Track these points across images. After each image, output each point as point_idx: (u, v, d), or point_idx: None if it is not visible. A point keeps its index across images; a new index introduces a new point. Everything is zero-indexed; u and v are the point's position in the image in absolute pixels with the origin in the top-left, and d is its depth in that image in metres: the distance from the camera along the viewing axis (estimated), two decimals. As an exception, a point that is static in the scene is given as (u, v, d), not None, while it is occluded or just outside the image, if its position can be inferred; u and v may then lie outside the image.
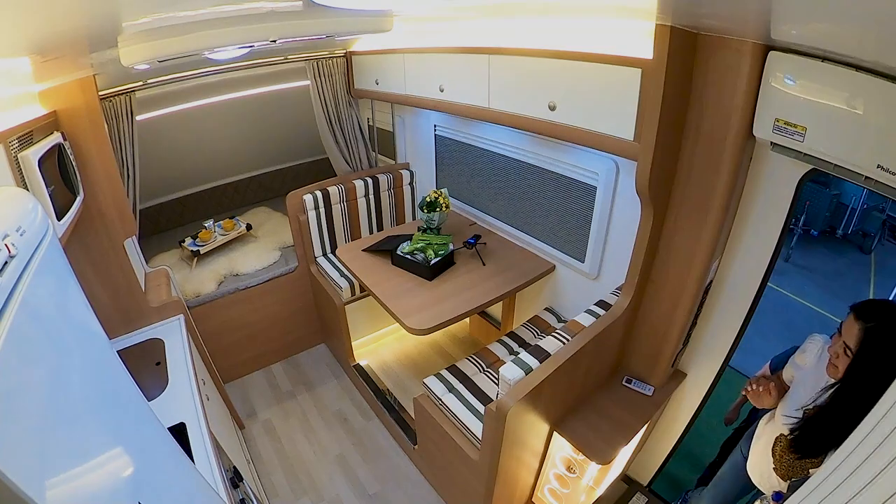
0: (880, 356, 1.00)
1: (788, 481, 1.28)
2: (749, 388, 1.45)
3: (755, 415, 1.82)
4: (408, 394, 2.64)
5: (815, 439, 1.16)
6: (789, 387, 1.41)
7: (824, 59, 1.01)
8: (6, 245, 0.63)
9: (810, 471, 1.17)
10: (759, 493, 1.46)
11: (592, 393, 1.82)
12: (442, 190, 2.46)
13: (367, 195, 2.94)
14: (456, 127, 2.63)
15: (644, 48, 1.27)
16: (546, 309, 2.43)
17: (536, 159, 2.20)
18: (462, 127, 2.58)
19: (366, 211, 2.98)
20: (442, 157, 2.85)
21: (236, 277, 2.85)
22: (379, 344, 3.20)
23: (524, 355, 1.60)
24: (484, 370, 2.11)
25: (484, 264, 2.31)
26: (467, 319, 3.08)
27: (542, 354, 1.59)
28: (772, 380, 1.46)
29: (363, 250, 2.46)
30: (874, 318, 1.03)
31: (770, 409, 1.45)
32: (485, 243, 2.47)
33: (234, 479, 1.53)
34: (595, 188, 1.94)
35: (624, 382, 1.84)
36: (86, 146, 1.71)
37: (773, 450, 1.35)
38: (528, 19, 1.68)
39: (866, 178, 1.01)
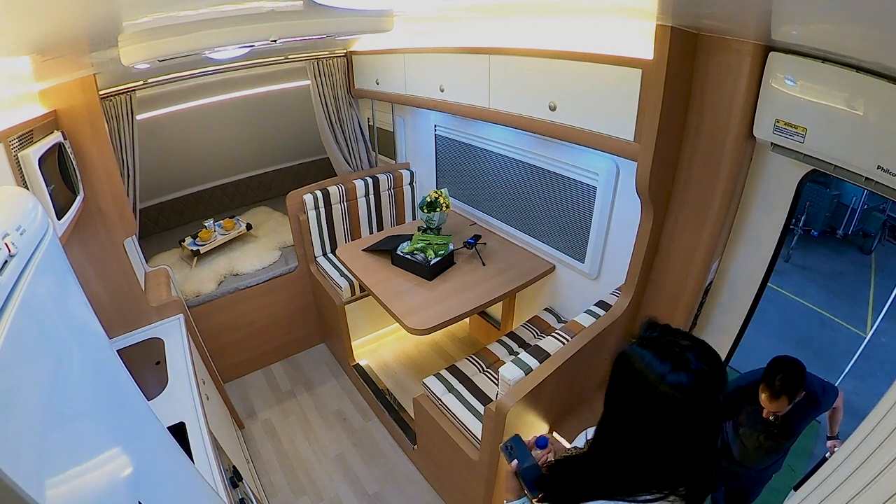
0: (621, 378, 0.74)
1: None
2: None
3: None
4: (408, 394, 2.64)
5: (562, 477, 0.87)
6: None
7: (824, 59, 1.01)
8: (6, 244, 0.63)
9: None
10: None
11: (592, 393, 1.82)
12: (442, 190, 2.46)
13: (367, 195, 2.94)
14: (456, 127, 2.63)
15: (644, 48, 1.27)
16: (546, 309, 2.43)
17: (536, 159, 2.19)
18: (462, 127, 2.58)
19: (366, 211, 2.98)
20: (442, 157, 2.85)
21: (236, 277, 2.85)
22: (379, 344, 3.20)
23: (524, 355, 1.60)
24: (484, 370, 2.11)
25: (484, 264, 2.31)
26: (467, 319, 3.08)
27: (541, 355, 1.59)
28: None
29: (363, 250, 2.46)
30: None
31: None
32: (485, 243, 2.47)
33: (234, 478, 1.53)
34: (595, 188, 1.94)
35: (624, 383, 1.84)
36: (86, 145, 1.71)
37: None
38: (528, 19, 1.68)
39: (866, 178, 1.01)
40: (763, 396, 1.51)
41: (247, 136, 3.61)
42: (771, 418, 1.55)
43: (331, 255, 2.95)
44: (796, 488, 1.37)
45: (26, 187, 1.28)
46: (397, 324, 1.99)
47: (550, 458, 0.99)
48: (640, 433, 0.68)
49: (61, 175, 1.48)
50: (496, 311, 2.91)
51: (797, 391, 1.47)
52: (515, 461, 0.94)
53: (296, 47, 2.56)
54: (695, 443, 0.66)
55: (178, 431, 1.47)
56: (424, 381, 2.03)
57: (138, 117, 2.32)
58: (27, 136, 1.36)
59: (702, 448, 0.67)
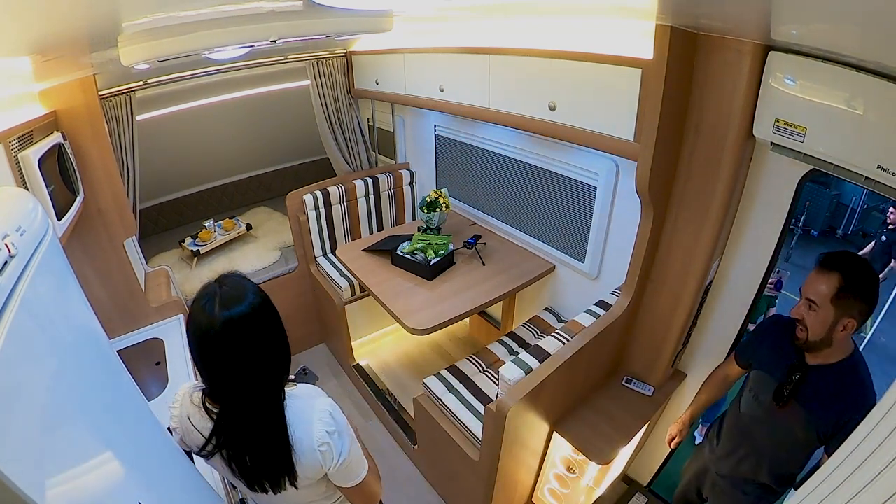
0: None
1: None
2: None
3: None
4: (408, 394, 2.64)
5: None
6: None
7: (824, 59, 1.01)
8: (6, 245, 0.63)
9: None
10: None
11: (592, 393, 1.82)
12: (442, 190, 2.46)
13: (367, 195, 2.94)
14: (456, 127, 2.63)
15: (644, 48, 1.27)
16: (546, 309, 2.43)
17: (536, 159, 2.19)
18: (462, 127, 2.58)
19: (366, 211, 2.98)
20: (442, 157, 2.85)
21: (236, 277, 2.84)
22: (379, 344, 3.20)
23: (524, 355, 1.60)
24: (484, 370, 2.11)
25: (484, 264, 2.31)
26: (467, 319, 3.08)
27: (542, 354, 1.59)
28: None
29: (363, 250, 2.46)
30: None
31: None
32: (485, 243, 2.47)
33: (234, 478, 1.52)
34: (595, 188, 1.94)
35: (624, 382, 1.84)
36: (86, 146, 1.71)
37: None
38: (528, 19, 1.68)
39: (866, 178, 1.01)
40: (809, 278, 1.15)
41: (247, 136, 3.61)
42: (800, 332, 1.18)
43: (331, 256, 2.95)
44: (796, 488, 1.37)
45: (26, 188, 1.28)
46: (397, 324, 1.99)
47: None
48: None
49: (61, 176, 1.48)
50: (496, 311, 2.91)
51: (857, 283, 1.09)
52: None
53: (296, 47, 2.56)
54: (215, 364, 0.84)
55: (179, 432, 1.47)
56: (424, 381, 2.03)
57: (138, 118, 2.32)
58: (27, 136, 1.36)
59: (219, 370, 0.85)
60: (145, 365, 1.79)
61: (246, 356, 0.85)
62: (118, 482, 0.76)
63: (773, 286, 2.43)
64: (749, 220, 1.48)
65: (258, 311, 0.87)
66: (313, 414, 0.92)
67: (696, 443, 2.32)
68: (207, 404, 0.91)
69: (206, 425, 0.91)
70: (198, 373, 0.95)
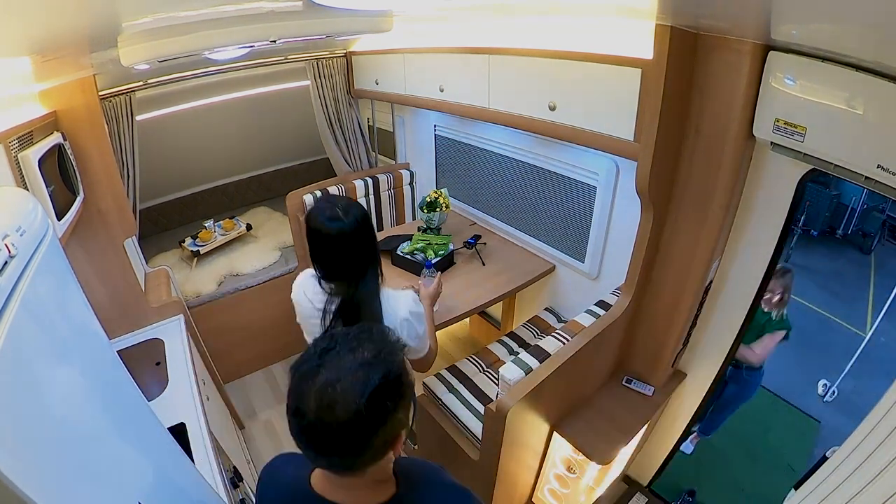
0: None
1: None
2: None
3: None
4: (408, 394, 2.64)
5: None
6: None
7: (824, 59, 1.01)
8: (6, 245, 0.63)
9: None
10: None
11: (592, 393, 1.82)
12: (442, 190, 2.46)
13: (367, 195, 2.94)
14: (456, 127, 2.63)
15: (644, 48, 1.27)
16: (546, 309, 2.43)
17: (536, 159, 2.19)
18: (462, 127, 2.58)
19: (366, 211, 2.98)
20: (442, 157, 2.85)
21: (236, 277, 2.85)
22: (379, 344, 3.19)
23: (524, 355, 1.60)
24: (484, 370, 2.11)
25: (484, 264, 2.31)
26: (467, 319, 3.08)
27: (542, 354, 1.59)
28: None
29: (363, 250, 2.46)
30: None
31: None
32: (485, 243, 2.47)
33: (234, 479, 1.53)
34: (595, 188, 1.94)
35: (624, 382, 1.84)
36: (86, 146, 1.71)
37: None
38: (528, 19, 1.68)
39: (866, 178, 1.01)
40: None
41: (247, 136, 3.61)
42: None
43: (331, 256, 2.94)
44: (796, 488, 1.37)
45: (26, 188, 1.28)
46: (397, 324, 1.99)
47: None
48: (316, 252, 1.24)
49: (61, 176, 1.48)
50: (496, 311, 2.91)
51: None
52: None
53: (296, 47, 2.56)
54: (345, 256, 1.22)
55: (179, 432, 1.47)
56: (424, 380, 2.03)
57: (138, 118, 2.33)
58: (27, 136, 1.36)
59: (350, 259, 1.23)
60: (145, 365, 1.79)
61: (348, 251, 1.21)
62: (118, 482, 0.77)
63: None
64: (749, 220, 1.48)
65: (360, 223, 1.22)
66: (406, 298, 1.30)
67: (688, 453, 2.33)
68: (322, 284, 1.26)
69: (320, 297, 1.26)
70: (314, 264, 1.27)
